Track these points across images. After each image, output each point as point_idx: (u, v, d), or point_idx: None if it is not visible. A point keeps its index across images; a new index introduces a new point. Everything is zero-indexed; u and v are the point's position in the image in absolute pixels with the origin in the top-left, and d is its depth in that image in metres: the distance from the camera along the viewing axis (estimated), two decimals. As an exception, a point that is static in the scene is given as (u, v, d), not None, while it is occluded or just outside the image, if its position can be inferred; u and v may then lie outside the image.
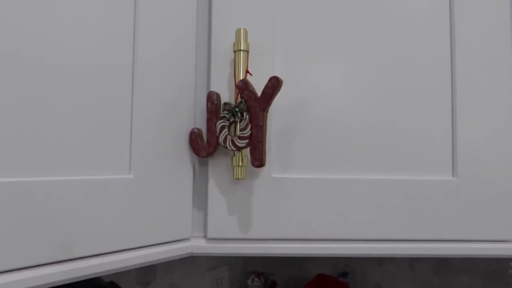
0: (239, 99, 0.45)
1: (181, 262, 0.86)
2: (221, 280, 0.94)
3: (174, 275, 0.85)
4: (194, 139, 0.47)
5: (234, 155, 0.46)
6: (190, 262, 0.87)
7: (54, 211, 0.36)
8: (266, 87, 0.43)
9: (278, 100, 0.49)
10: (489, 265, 0.81)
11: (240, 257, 0.99)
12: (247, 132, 0.44)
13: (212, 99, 0.46)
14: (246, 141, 0.44)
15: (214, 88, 0.48)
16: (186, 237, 0.48)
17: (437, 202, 0.49)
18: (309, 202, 0.48)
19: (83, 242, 0.38)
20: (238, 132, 0.45)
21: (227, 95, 0.48)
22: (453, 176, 0.50)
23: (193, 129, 0.47)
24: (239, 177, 0.45)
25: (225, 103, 0.46)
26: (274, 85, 0.42)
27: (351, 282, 1.00)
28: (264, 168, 0.48)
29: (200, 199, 0.49)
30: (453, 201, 0.50)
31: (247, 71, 0.46)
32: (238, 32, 0.47)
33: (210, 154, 0.46)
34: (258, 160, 0.43)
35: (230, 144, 0.45)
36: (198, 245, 0.48)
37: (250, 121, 0.43)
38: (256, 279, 0.91)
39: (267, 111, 0.44)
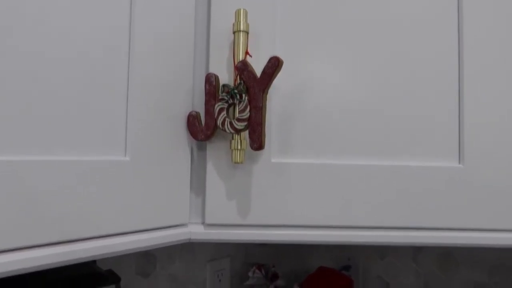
0: (238, 81, 0.44)
1: (181, 253, 0.85)
2: (222, 272, 0.93)
3: (174, 266, 0.84)
4: (192, 122, 0.46)
5: (232, 138, 0.44)
6: (190, 253, 0.87)
7: (46, 191, 0.35)
8: (266, 67, 0.42)
9: (279, 84, 0.47)
10: (494, 258, 0.80)
11: (241, 249, 0.98)
12: (246, 114, 0.42)
13: (211, 81, 0.45)
14: (245, 123, 0.42)
15: (213, 70, 0.47)
16: (184, 222, 0.46)
17: (442, 189, 0.48)
18: (310, 188, 0.47)
19: (76, 225, 0.37)
20: (237, 114, 0.43)
21: (226, 78, 0.46)
22: (459, 163, 0.49)
23: (191, 112, 0.46)
24: (238, 160, 0.44)
25: (223, 85, 0.45)
26: (274, 65, 0.41)
27: (354, 275, 0.99)
28: (264, 153, 0.47)
29: (199, 185, 0.48)
30: (459, 189, 0.48)
31: (246, 53, 0.45)
32: (237, 13, 0.46)
33: (208, 137, 0.45)
34: (257, 142, 0.42)
35: (229, 126, 0.43)
36: (196, 231, 0.47)
37: (249, 102, 0.42)
38: (257, 271, 0.90)
39: (267, 93, 0.43)
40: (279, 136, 0.48)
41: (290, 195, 0.47)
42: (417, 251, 0.90)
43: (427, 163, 0.48)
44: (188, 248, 0.86)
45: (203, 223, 0.48)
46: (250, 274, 0.89)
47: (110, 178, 0.40)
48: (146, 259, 0.79)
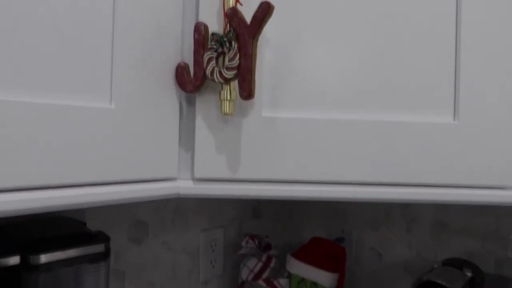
0: (228, 29, 0.42)
1: (174, 222, 0.84)
2: (215, 242, 0.93)
3: (167, 235, 0.84)
4: (180, 72, 0.44)
5: (222, 89, 0.43)
6: (183, 222, 0.86)
7: (27, 135, 0.34)
8: (257, 12, 0.40)
9: (270, 35, 0.46)
10: (487, 226, 0.80)
11: (235, 221, 0.98)
12: (236, 62, 0.41)
13: (200, 30, 0.43)
14: (234, 71, 0.41)
15: (202, 19, 0.45)
16: (172, 176, 0.45)
17: (436, 146, 0.47)
18: (301, 143, 0.46)
19: (58, 171, 0.36)
20: (226, 63, 0.42)
21: (216, 27, 0.45)
22: (454, 119, 0.48)
23: (179, 63, 0.45)
24: (227, 111, 0.43)
25: (213, 34, 0.43)
26: (265, 10, 0.40)
27: (347, 247, 0.99)
28: (254, 107, 0.46)
29: (188, 139, 0.47)
30: (453, 145, 0.47)
31: (237, 1, 0.43)
32: (228, -42, 0.44)
33: (197, 88, 0.44)
34: (247, 90, 0.40)
35: (218, 76, 0.42)
36: (185, 186, 0.46)
37: (239, 50, 0.41)
38: (250, 241, 0.89)
39: (257, 39, 0.41)
40: (270, 90, 0.46)
41: (280, 150, 0.46)
42: (410, 222, 0.90)
43: (422, 119, 0.47)
44: (181, 217, 0.86)
45: (192, 178, 0.47)
46: (243, 244, 0.89)
47: (94, 126, 0.38)
48: (138, 227, 0.78)
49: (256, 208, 1.04)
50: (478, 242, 0.81)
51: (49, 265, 0.49)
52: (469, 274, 0.64)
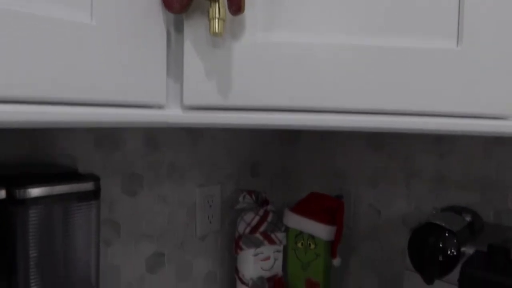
0: None
1: (169, 176, 0.83)
2: (212, 198, 0.92)
3: (163, 188, 0.83)
4: (166, -9, 0.41)
5: (210, 6, 0.40)
6: (179, 177, 0.85)
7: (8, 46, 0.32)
8: None
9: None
10: (487, 178, 0.78)
11: (232, 178, 0.96)
12: (224, -26, 0.38)
13: None
14: (223, -16, 0.39)
15: None
16: (160, 103, 0.43)
17: (437, 73, 0.45)
18: (293, 69, 0.44)
19: (42, 86, 0.34)
20: (214, -24, 0.39)
21: None
22: (457, 45, 0.45)
23: (165, -18, 0.42)
24: (216, 30, 0.40)
25: None
26: None
27: (346, 204, 0.98)
28: (246, 31, 0.43)
29: (177, 68, 0.45)
30: (455, 72, 0.45)
31: None
32: None
33: (184, 7, 0.41)
34: (236, 4, 0.38)
35: (205, -9, 0.39)
36: (174, 115, 0.44)
37: (227, -40, 0.38)
38: (247, 196, 0.88)
39: (247, -51, 0.39)
40: (261, 13, 0.44)
41: (272, 76, 0.43)
42: (409, 177, 0.89)
43: (423, 45, 0.45)
44: (177, 173, 0.85)
45: (181, 107, 0.45)
46: (240, 199, 0.88)
47: (74, 41, 0.36)
48: (132, 179, 0.77)
49: (254, 166, 1.02)
50: (478, 194, 0.79)
51: (36, 200, 0.48)
52: (468, 219, 0.63)
